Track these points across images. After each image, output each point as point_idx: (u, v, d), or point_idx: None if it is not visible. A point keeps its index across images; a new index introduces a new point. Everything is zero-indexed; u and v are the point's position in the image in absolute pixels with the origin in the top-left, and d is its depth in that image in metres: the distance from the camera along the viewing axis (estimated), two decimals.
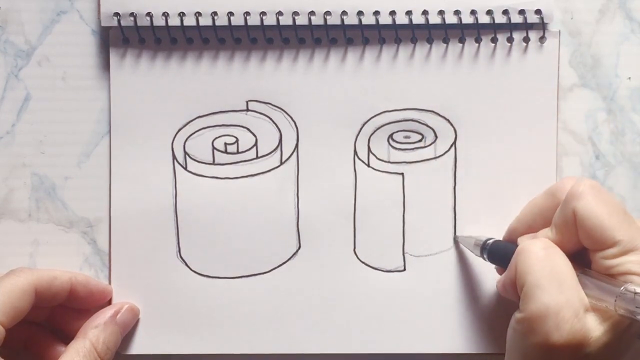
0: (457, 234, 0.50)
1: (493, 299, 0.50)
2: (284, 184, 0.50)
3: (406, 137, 0.50)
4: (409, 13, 0.49)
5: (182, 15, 0.49)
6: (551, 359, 0.40)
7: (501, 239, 0.48)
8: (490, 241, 0.47)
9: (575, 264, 0.42)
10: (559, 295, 0.40)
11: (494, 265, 0.48)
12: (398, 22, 0.49)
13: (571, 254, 0.43)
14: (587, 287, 0.41)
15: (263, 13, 0.49)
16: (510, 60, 0.50)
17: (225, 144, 0.50)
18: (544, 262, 0.42)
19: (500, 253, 0.46)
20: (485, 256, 0.47)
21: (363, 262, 0.50)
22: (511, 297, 0.44)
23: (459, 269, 0.50)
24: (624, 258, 0.41)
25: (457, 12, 0.49)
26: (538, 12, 0.49)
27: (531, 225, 0.46)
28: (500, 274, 0.47)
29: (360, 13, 0.49)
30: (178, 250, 0.50)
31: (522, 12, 0.49)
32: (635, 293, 0.39)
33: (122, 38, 0.50)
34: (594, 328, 0.40)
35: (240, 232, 0.50)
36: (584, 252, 0.43)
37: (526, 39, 0.50)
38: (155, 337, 0.50)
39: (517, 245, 0.44)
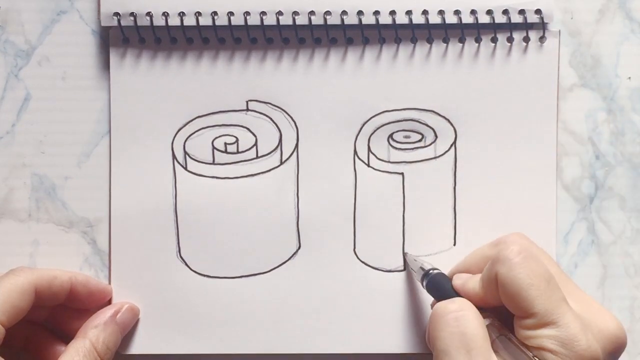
0: (407, 251, 0.50)
1: None
2: (284, 184, 0.50)
3: (406, 137, 0.50)
4: (409, 13, 0.49)
5: (182, 15, 0.49)
6: None
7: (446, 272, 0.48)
8: (434, 272, 0.46)
9: (497, 325, 0.42)
10: None
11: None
12: (398, 22, 0.49)
13: (498, 308, 0.43)
14: (501, 353, 0.41)
15: (263, 13, 0.49)
16: (510, 60, 0.50)
17: (225, 143, 0.50)
18: (453, 328, 0.41)
19: (438, 288, 0.46)
20: (424, 284, 0.47)
21: (363, 262, 0.50)
22: (431, 348, 0.44)
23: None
24: (540, 331, 0.40)
25: (457, 12, 0.49)
26: (538, 12, 0.49)
27: (471, 270, 0.46)
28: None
29: (360, 13, 0.49)
30: (178, 250, 0.50)
31: (522, 12, 0.49)
32: None
33: (122, 38, 0.50)
34: None
35: (240, 232, 0.50)
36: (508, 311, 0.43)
37: (526, 39, 0.50)
38: (155, 337, 0.50)
39: (451, 285, 0.45)
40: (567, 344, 0.40)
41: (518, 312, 0.41)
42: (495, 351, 0.41)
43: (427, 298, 0.50)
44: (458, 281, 0.45)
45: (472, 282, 0.44)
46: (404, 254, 0.50)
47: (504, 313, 0.43)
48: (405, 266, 0.50)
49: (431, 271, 0.47)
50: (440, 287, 0.45)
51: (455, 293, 0.44)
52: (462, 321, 0.41)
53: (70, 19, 0.51)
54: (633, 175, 0.51)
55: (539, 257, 0.42)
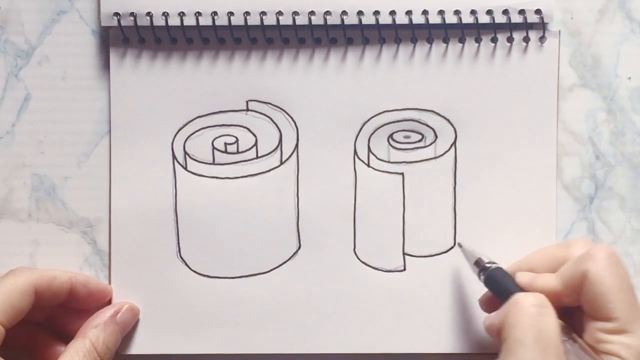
0: (461, 242, 0.50)
1: None
2: (284, 184, 0.50)
3: (406, 137, 0.50)
4: (409, 13, 0.49)
5: (182, 15, 0.49)
6: None
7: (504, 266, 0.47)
8: (493, 266, 0.46)
9: (565, 327, 0.42)
10: (542, 355, 0.40)
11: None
12: (398, 22, 0.49)
13: (565, 309, 0.43)
14: (570, 356, 0.41)
15: (263, 13, 0.49)
16: (510, 60, 0.50)
17: (225, 144, 0.50)
18: (533, 321, 0.41)
19: (498, 283, 0.46)
20: (481, 277, 0.47)
21: (363, 262, 0.50)
22: (493, 339, 0.44)
23: (459, 269, 0.50)
24: (616, 337, 0.41)
25: (457, 12, 0.49)
26: (538, 12, 0.49)
27: (537, 269, 0.46)
28: (484, 301, 0.47)
29: (360, 13, 0.49)
30: (178, 250, 0.50)
31: (522, 12, 0.49)
32: None
33: (122, 38, 0.50)
34: None
35: (240, 232, 0.50)
36: (576, 313, 0.43)
37: (526, 39, 0.50)
38: (155, 337, 0.50)
39: (514, 281, 0.45)
40: None
41: (599, 314, 0.41)
42: (565, 351, 0.41)
43: (427, 298, 0.50)
44: (524, 278, 0.45)
45: (543, 280, 0.44)
46: (459, 244, 0.50)
47: (566, 316, 0.43)
48: (457, 250, 0.50)
49: (489, 265, 0.46)
50: (501, 282, 0.45)
51: (519, 289, 0.44)
52: (543, 317, 0.41)
53: (70, 19, 0.51)
54: (633, 175, 0.51)
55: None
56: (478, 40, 0.50)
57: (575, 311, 0.44)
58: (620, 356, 0.40)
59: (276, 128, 0.50)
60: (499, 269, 0.46)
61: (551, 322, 0.41)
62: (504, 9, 0.49)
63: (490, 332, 0.45)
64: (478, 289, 0.50)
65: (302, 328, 0.50)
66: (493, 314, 0.45)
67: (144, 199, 0.50)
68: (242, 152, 0.50)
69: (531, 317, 0.41)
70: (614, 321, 0.41)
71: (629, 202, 0.51)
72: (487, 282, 0.46)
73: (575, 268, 0.43)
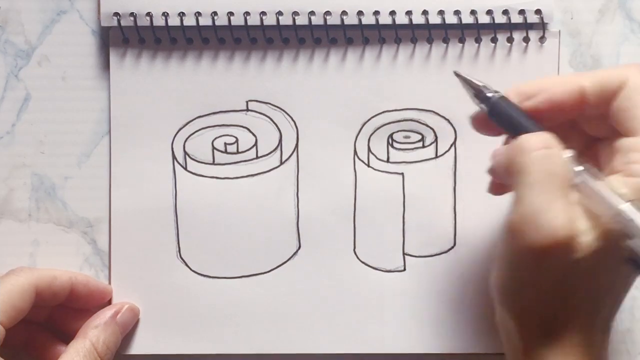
0: (458, 70, 0.45)
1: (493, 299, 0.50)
2: (284, 184, 0.50)
3: (406, 137, 0.50)
4: (409, 13, 0.49)
5: (182, 15, 0.49)
6: (539, 263, 0.39)
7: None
8: (497, 96, 0.42)
9: (581, 158, 0.40)
10: (552, 197, 0.38)
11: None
12: (398, 22, 0.49)
13: (583, 132, 0.41)
14: (585, 194, 0.39)
15: (263, 13, 0.49)
16: (510, 60, 0.50)
17: (225, 144, 0.50)
18: (541, 163, 0.39)
19: (503, 115, 0.42)
20: (484, 107, 0.43)
21: (363, 262, 0.50)
22: (499, 180, 0.42)
23: (459, 269, 0.50)
24: None
25: (457, 12, 0.49)
26: (538, 12, 0.49)
27: (557, 102, 0.41)
28: (476, 120, 0.44)
29: (360, 13, 0.49)
30: (178, 250, 0.50)
31: (522, 12, 0.49)
32: (629, 220, 0.37)
33: (122, 38, 0.50)
34: (585, 233, 0.38)
35: (240, 232, 0.50)
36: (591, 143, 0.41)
37: (526, 39, 0.50)
38: (155, 337, 0.50)
39: (521, 110, 0.41)
40: None
41: (633, 128, 0.39)
42: (580, 190, 0.39)
43: (427, 298, 0.50)
44: (533, 100, 0.41)
45: (566, 83, 0.41)
46: (455, 73, 0.44)
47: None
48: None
49: (492, 95, 0.42)
50: (508, 113, 0.41)
51: (528, 120, 0.41)
52: (550, 156, 0.39)
53: (70, 19, 0.51)
54: None
55: None
56: (478, 40, 0.50)
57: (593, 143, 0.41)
58: None
59: (276, 128, 0.50)
60: (504, 98, 0.42)
61: (560, 159, 0.39)
62: (504, 9, 0.49)
63: (495, 173, 0.43)
64: (478, 288, 0.50)
65: (302, 328, 0.50)
66: (498, 155, 0.42)
67: (144, 199, 0.50)
68: (242, 152, 0.50)
69: (539, 159, 0.39)
70: None
71: None
72: (492, 114, 0.42)
73: (609, 77, 0.40)
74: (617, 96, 0.40)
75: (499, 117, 0.42)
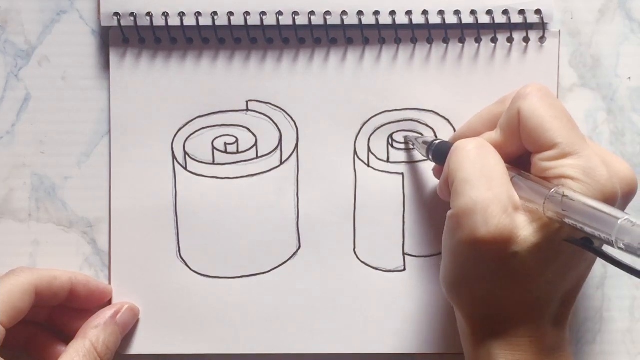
0: (407, 134, 0.50)
1: None
2: (284, 183, 0.50)
3: (406, 137, 0.50)
4: (409, 13, 0.49)
5: (182, 15, 0.49)
6: (478, 255, 0.40)
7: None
8: (437, 142, 0.47)
9: (512, 167, 0.43)
10: (488, 192, 0.40)
11: None
12: (398, 22, 0.49)
13: (514, 158, 0.43)
14: (520, 189, 0.41)
15: (263, 13, 0.49)
16: (510, 60, 0.50)
17: (225, 144, 0.50)
18: (475, 159, 0.42)
19: (443, 153, 0.45)
20: (430, 156, 0.47)
21: (363, 262, 0.50)
22: (446, 197, 0.44)
23: None
24: (561, 161, 0.41)
25: (457, 12, 0.49)
26: (538, 12, 0.49)
27: (478, 130, 0.46)
28: (437, 171, 0.48)
29: (360, 13, 0.49)
30: (178, 250, 0.50)
31: (522, 12, 0.49)
32: (563, 195, 0.38)
33: (122, 38, 0.50)
34: (523, 226, 0.40)
35: (240, 232, 0.50)
36: (526, 158, 0.43)
37: (526, 39, 0.50)
38: (155, 337, 0.50)
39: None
40: (589, 173, 0.40)
41: (538, 146, 0.41)
42: (514, 186, 0.41)
43: (427, 298, 0.50)
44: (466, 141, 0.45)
45: (485, 137, 0.44)
46: (404, 137, 0.50)
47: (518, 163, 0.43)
48: (413, 146, 0.50)
49: (435, 141, 0.47)
50: (445, 151, 0.45)
51: None
52: (484, 154, 0.42)
53: (70, 19, 0.51)
54: None
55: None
56: (478, 40, 0.50)
57: (521, 160, 0.44)
58: (568, 176, 0.40)
59: (276, 128, 0.50)
60: (443, 141, 0.47)
61: (492, 157, 0.42)
62: (504, 9, 0.49)
63: (441, 190, 0.45)
64: None
65: (302, 328, 0.50)
66: (441, 177, 0.45)
67: (144, 199, 0.50)
68: (242, 152, 0.50)
69: (472, 156, 0.42)
70: (555, 147, 0.41)
71: None
72: (435, 158, 0.47)
73: (509, 114, 0.43)
74: (520, 130, 0.43)
75: (440, 156, 0.46)
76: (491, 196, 0.40)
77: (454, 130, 0.50)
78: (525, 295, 0.41)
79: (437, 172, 0.49)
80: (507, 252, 0.40)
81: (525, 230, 0.40)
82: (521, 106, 0.42)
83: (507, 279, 0.41)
